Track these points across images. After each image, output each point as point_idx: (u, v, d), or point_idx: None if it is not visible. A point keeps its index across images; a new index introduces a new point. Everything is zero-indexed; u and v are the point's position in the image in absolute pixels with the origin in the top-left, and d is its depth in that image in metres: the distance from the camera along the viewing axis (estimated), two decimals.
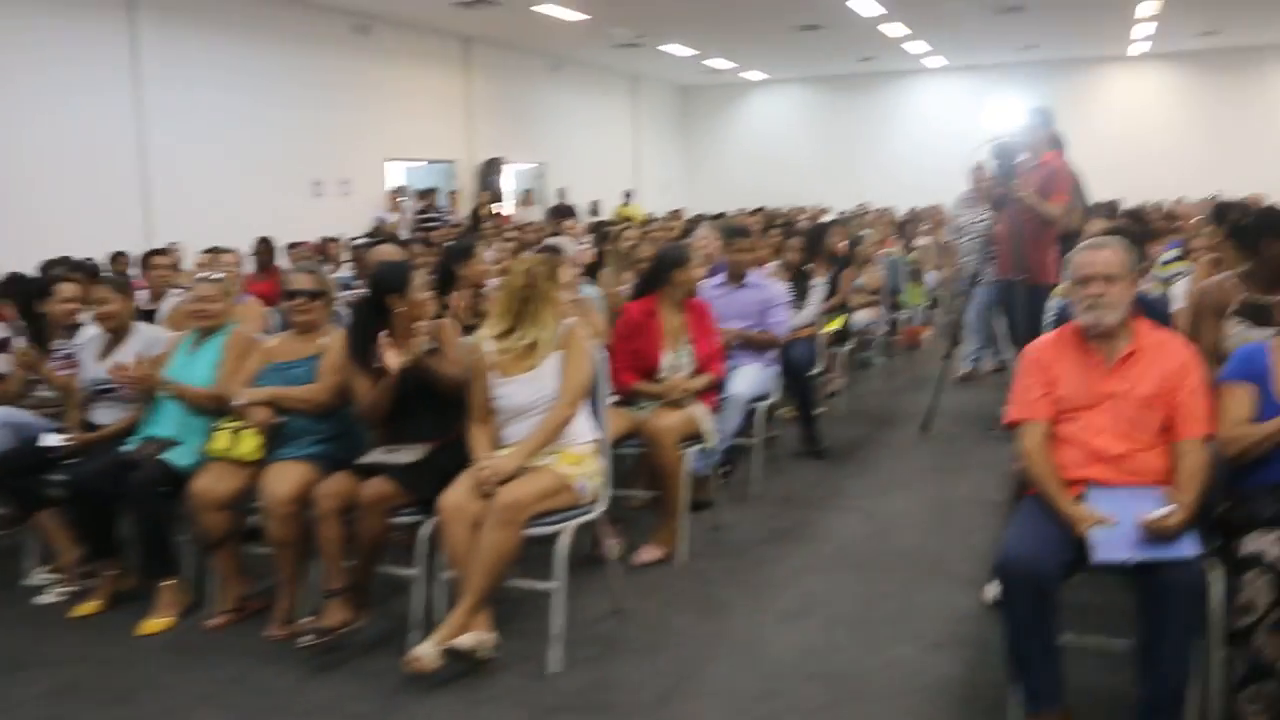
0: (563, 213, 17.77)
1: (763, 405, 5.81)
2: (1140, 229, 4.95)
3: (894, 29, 18.18)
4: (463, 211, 16.97)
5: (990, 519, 5.18)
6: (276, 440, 4.29)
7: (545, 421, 3.96)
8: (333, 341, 4.39)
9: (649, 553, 4.81)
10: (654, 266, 5.15)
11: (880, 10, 16.37)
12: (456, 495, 3.79)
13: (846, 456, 6.58)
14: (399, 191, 16.04)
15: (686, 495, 4.92)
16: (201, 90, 12.58)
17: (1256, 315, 4.07)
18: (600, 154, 22.23)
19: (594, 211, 19.87)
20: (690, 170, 26.41)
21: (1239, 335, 4.11)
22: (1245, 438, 3.23)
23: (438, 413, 4.17)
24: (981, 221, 7.98)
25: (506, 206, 18.41)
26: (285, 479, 4.09)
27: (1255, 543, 3.00)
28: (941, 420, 7.16)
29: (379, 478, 3.97)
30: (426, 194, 16.48)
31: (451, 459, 4.03)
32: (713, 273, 6.23)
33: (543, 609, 3.87)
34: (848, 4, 15.51)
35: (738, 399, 5.52)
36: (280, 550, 4.13)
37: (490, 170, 18.05)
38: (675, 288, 5.05)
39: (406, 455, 4.04)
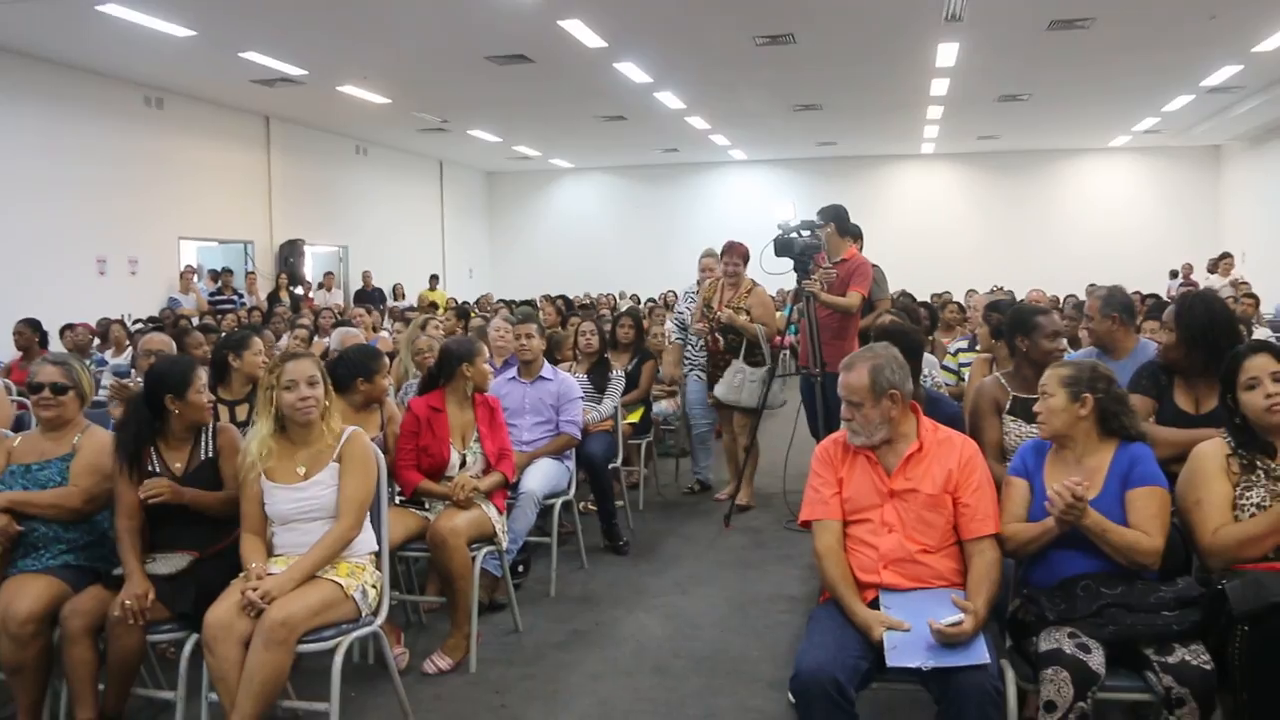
0: (366, 298, 17.41)
1: (558, 501, 5.66)
2: (913, 329, 5.01)
3: (699, 121, 18.69)
4: (261, 294, 16.33)
5: (792, 616, 5.15)
6: (18, 550, 3.85)
7: (326, 540, 3.68)
8: (87, 440, 4.01)
9: (439, 661, 4.54)
10: (441, 360, 4.95)
11: (682, 104, 16.83)
12: (223, 612, 3.46)
13: (648, 552, 6.45)
14: (190, 271, 15.25)
15: (479, 598, 4.69)
16: None
17: (1027, 413, 4.17)
18: (406, 237, 21.94)
19: (398, 295, 19.51)
20: (497, 255, 26.36)
21: (1016, 432, 4.24)
22: (1015, 536, 3.27)
23: (205, 518, 3.85)
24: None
25: (311, 290, 17.83)
26: (27, 594, 3.65)
27: (1050, 640, 3.02)
28: (745, 512, 7.14)
29: None
30: (221, 275, 15.83)
31: (218, 570, 3.72)
32: (505, 365, 6.08)
33: None
34: (654, 96, 15.83)
35: (531, 495, 5.35)
36: (19, 676, 3.65)
37: (290, 252, 17.48)
38: (463, 382, 4.87)
39: (166, 566, 3.72)
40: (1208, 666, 2.90)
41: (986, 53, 13.32)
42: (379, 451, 3.96)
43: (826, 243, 6.87)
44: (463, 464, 4.81)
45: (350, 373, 4.69)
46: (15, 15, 10.77)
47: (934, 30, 12.12)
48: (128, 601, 3.54)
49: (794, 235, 6.67)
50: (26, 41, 12.05)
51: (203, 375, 4.04)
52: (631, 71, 14.10)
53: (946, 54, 13.32)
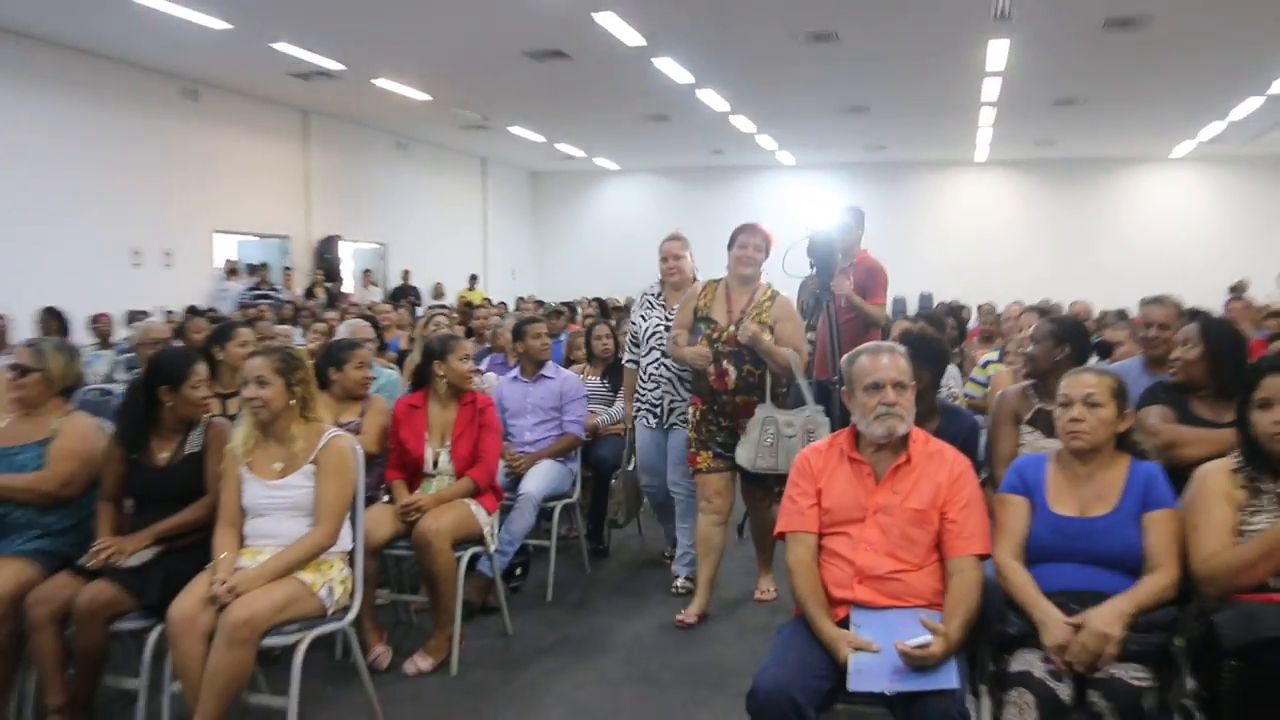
0: (403, 295, 17.49)
1: (559, 504, 5.64)
2: (939, 337, 4.79)
3: (744, 123, 18.56)
4: (298, 290, 16.48)
5: None
6: None
7: (302, 543, 3.70)
8: (67, 425, 4.05)
9: (420, 662, 4.53)
10: (422, 357, 4.95)
11: (726, 105, 16.72)
12: (187, 605, 3.49)
13: (656, 557, 6.39)
14: (232, 267, 15.56)
15: (465, 601, 4.69)
16: (1, 144, 11.93)
17: (1048, 425, 4.06)
18: (447, 236, 22.00)
19: (437, 294, 19.58)
20: (541, 256, 26.37)
21: (1031, 445, 4.13)
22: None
23: (190, 501, 3.92)
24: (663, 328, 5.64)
25: (346, 286, 17.98)
26: None
27: (1022, 661, 2.92)
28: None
29: (101, 581, 3.64)
30: (258, 270, 16.00)
31: (185, 562, 3.74)
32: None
33: None
34: (696, 95, 15.74)
35: (530, 498, 5.32)
36: None
37: (327, 248, 17.62)
38: (438, 380, 4.86)
39: (134, 559, 3.73)
40: (1135, 684, 2.78)
41: (1038, 53, 13.07)
42: (359, 451, 3.93)
43: (849, 245, 6.71)
44: (435, 463, 4.79)
45: (322, 364, 4.76)
46: (51, 5, 10.97)
47: (982, 29, 11.91)
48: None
49: (828, 236, 6.50)
50: (63, 32, 12.25)
51: (202, 370, 4.08)
52: (672, 69, 14.03)
53: (997, 54, 13.10)
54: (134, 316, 11.07)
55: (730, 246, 5.29)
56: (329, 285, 17.05)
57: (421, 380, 4.91)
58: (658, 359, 5.55)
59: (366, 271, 18.86)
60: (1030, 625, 2.97)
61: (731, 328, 5.07)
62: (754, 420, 4.98)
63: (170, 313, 12.54)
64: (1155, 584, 2.99)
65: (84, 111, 13.12)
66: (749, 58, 13.62)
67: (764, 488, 5.26)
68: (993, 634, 3.12)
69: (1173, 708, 2.94)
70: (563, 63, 13.52)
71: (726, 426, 5.13)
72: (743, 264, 5.21)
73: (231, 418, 4.60)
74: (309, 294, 16.24)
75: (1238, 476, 3.12)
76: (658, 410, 5.57)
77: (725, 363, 5.07)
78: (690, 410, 5.30)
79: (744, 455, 4.99)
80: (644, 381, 5.66)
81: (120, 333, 10.21)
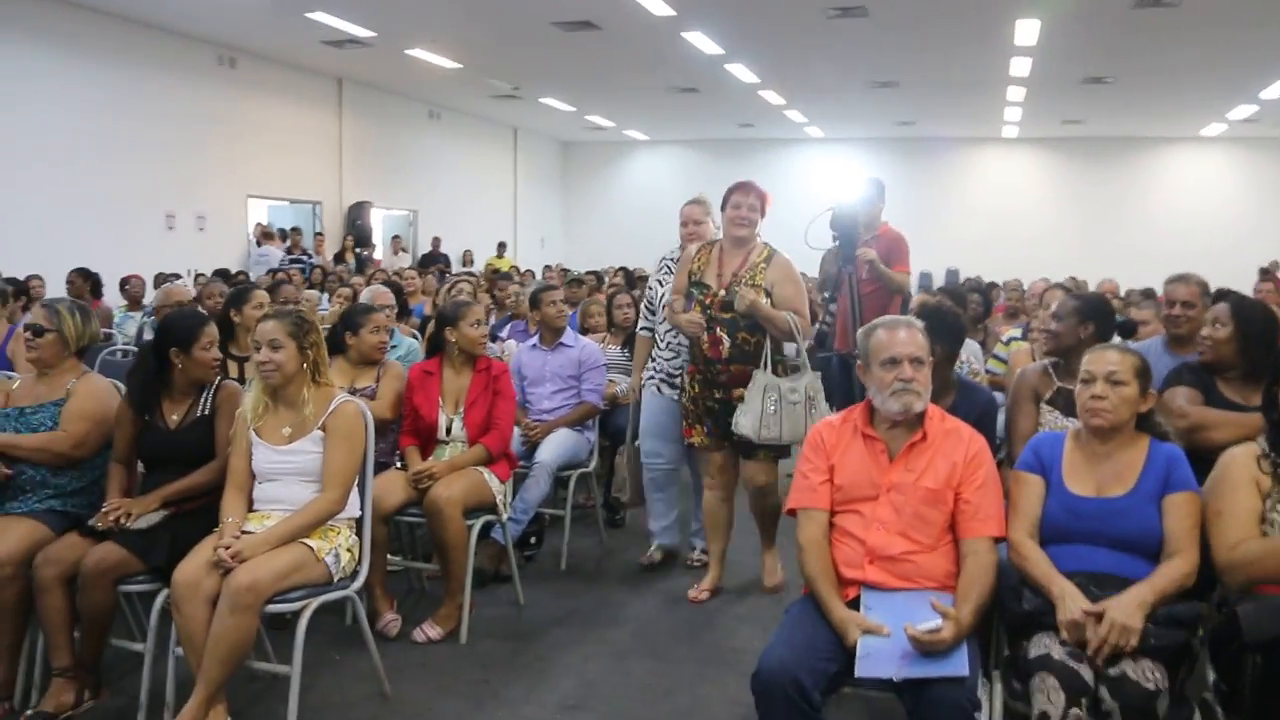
0: (433, 262, 17.41)
1: (574, 473, 5.52)
2: (956, 311, 4.56)
3: (773, 96, 18.31)
4: (328, 255, 16.42)
5: None
6: (5, 493, 3.82)
7: (309, 509, 3.60)
8: (81, 386, 3.96)
9: (429, 630, 4.44)
10: (436, 323, 4.84)
11: (755, 78, 16.48)
12: (191, 570, 3.40)
13: None
14: (267, 230, 15.52)
15: (477, 570, 4.59)
16: (41, 109, 11.85)
17: (1068, 404, 3.92)
18: (477, 204, 21.85)
19: (466, 261, 19.48)
20: (570, 225, 26.22)
21: (1051, 424, 3.99)
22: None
23: (197, 465, 3.83)
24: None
25: (376, 252, 17.90)
26: (7, 537, 3.62)
27: (1040, 646, 2.78)
28: (782, 490, 6.90)
29: (109, 542, 3.56)
30: (290, 235, 15.95)
31: (193, 525, 3.66)
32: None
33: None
34: (725, 68, 15.51)
35: (545, 466, 5.21)
36: None
37: (357, 214, 17.53)
38: (451, 345, 4.74)
39: (142, 522, 3.64)
40: (1150, 686, 2.62)
41: (1069, 31, 12.76)
42: (369, 417, 3.82)
43: (871, 218, 6.54)
44: (449, 429, 4.68)
45: (338, 328, 4.67)
46: None
47: (1012, 5, 11.65)
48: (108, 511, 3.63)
49: (850, 208, 6.30)
50: None
51: (212, 332, 3.98)
52: (701, 42, 13.81)
53: (1026, 31, 12.80)
54: (163, 279, 11.03)
55: (723, 207, 4.82)
56: (359, 251, 16.98)
57: (436, 346, 4.80)
58: (675, 328, 5.10)
59: (396, 237, 18.78)
60: (1046, 602, 2.84)
61: (722, 292, 4.67)
62: (754, 387, 4.58)
63: (200, 275, 12.52)
64: (1175, 570, 2.84)
65: (123, 77, 13.04)
66: (778, 32, 13.40)
67: (757, 460, 4.85)
68: (1008, 616, 2.98)
69: (1192, 700, 2.81)
70: (593, 33, 13.32)
71: (721, 399, 4.74)
72: (736, 225, 4.72)
73: (243, 381, 4.54)
74: (338, 259, 16.19)
75: (1264, 463, 2.97)
76: (676, 380, 5.15)
77: (719, 329, 4.66)
78: (686, 379, 4.92)
79: (748, 425, 4.56)
80: (661, 350, 5.29)
81: (150, 295, 10.17)
